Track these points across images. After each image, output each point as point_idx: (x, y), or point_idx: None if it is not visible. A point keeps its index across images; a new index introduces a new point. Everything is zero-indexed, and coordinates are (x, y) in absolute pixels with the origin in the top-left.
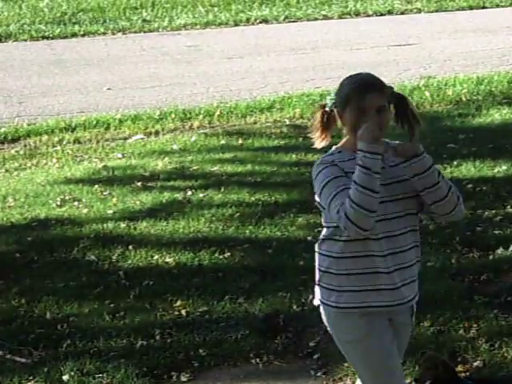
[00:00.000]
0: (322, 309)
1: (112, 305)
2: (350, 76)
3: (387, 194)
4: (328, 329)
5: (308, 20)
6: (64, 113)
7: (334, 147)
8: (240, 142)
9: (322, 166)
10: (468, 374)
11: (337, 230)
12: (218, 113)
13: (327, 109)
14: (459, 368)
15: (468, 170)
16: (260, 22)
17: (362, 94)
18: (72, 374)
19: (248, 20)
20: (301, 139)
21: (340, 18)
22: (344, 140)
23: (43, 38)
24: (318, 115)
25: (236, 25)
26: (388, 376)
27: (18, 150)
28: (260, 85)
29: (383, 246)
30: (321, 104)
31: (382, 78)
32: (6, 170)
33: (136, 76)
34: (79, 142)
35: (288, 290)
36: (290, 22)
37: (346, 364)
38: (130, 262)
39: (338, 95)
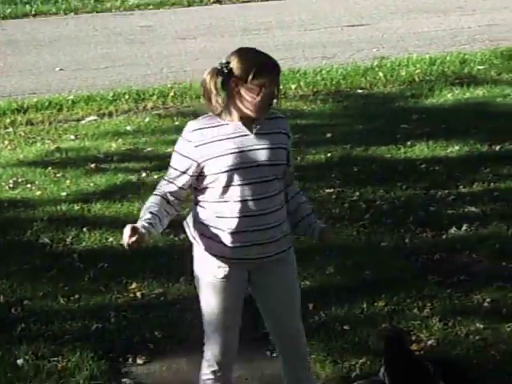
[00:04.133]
0: None
1: (66, 288)
2: (263, 54)
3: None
4: None
5: (261, 0)
6: (16, 94)
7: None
8: None
9: None
10: (422, 352)
11: None
12: (171, 94)
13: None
14: (413, 347)
15: (421, 150)
16: (213, 3)
17: (276, 79)
18: (26, 357)
19: (201, 0)
20: None
21: None
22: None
23: None
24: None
25: (189, 5)
26: None
27: None
28: (214, 65)
29: None
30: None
31: (336, 59)
32: None
33: (89, 57)
34: (31, 124)
35: None
36: (243, 2)
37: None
38: (84, 244)
39: (243, 66)
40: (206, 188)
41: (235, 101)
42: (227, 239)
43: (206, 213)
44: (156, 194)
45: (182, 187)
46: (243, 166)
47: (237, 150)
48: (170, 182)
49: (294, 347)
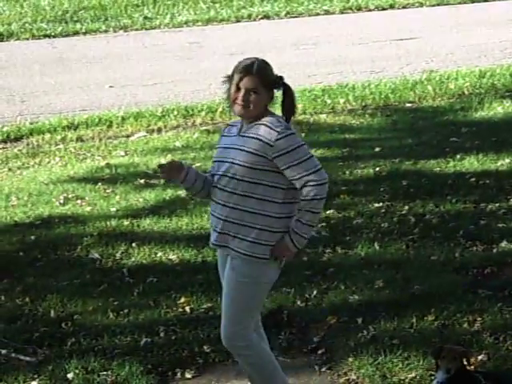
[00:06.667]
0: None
1: (116, 302)
2: (243, 59)
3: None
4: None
5: (309, 15)
6: (66, 111)
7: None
8: None
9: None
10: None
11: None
12: (220, 109)
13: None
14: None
15: (471, 163)
16: (261, 18)
17: (240, 77)
18: (77, 371)
19: (250, 16)
20: (303, 134)
21: (342, 12)
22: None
23: (45, 36)
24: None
25: (238, 21)
26: None
27: (20, 148)
28: None
29: None
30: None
31: (384, 73)
32: (9, 169)
33: (138, 73)
34: (82, 140)
35: (291, 286)
36: (291, 17)
37: (350, 359)
38: (133, 259)
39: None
40: None
41: None
42: None
43: None
44: None
45: None
46: (219, 160)
47: (222, 146)
48: None
49: None
